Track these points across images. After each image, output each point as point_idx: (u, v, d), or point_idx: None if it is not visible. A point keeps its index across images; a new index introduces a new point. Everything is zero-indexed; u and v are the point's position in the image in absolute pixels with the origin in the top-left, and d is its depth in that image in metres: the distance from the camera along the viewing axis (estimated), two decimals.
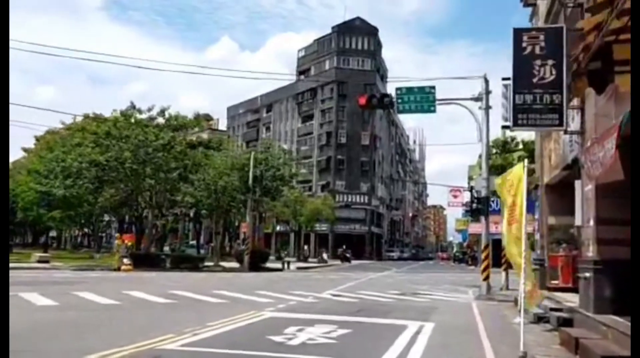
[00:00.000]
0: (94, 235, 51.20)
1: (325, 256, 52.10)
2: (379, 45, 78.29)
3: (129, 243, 26.27)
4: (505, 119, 10.59)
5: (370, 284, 22.39)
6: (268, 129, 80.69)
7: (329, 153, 72.41)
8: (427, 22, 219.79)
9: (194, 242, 53.43)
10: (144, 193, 29.75)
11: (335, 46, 74.15)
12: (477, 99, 17.40)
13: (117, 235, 27.51)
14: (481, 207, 16.60)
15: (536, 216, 15.98)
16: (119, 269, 24.48)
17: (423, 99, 17.49)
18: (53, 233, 65.79)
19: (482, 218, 17.21)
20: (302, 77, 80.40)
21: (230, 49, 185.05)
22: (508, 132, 25.39)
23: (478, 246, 57.66)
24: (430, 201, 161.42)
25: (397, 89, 17.64)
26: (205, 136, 60.91)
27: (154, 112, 29.32)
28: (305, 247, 64.75)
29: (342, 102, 73.08)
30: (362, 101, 17.95)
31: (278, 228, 66.16)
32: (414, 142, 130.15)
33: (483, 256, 16.68)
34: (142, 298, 12.82)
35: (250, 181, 31.33)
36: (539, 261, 14.82)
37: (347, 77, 73.06)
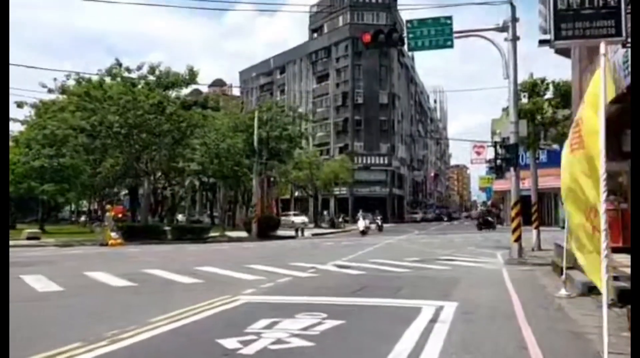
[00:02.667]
0: (101, 207, 49.95)
1: (340, 219, 50.07)
2: None
3: (119, 216, 24.35)
4: (545, 32, 7.95)
5: (387, 250, 20.17)
6: (282, 91, 77.88)
7: (345, 114, 69.51)
8: None
9: (201, 212, 51.87)
10: (140, 160, 27.57)
11: (347, 0, 70.24)
12: (502, 29, 14.62)
13: (108, 206, 25.54)
14: (509, 156, 14.03)
15: None
16: (107, 244, 22.74)
17: (438, 33, 14.78)
18: (70, 208, 65.07)
19: (511, 170, 14.66)
20: (314, 35, 76.94)
21: (246, 15, 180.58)
22: (536, 74, 22.42)
23: (504, 204, 55.14)
24: (453, 161, 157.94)
25: (407, 21, 14.94)
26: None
27: (143, 71, 26.81)
28: (325, 212, 62.91)
29: (357, 60, 69.65)
30: (367, 37, 15.30)
31: (296, 193, 64.06)
32: (435, 101, 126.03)
33: (513, 213, 14.21)
34: (98, 282, 10.74)
35: (255, 143, 29.08)
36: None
37: (362, 33, 69.18)
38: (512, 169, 14.57)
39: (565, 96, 23.01)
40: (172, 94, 26.90)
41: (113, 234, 23.25)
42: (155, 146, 26.90)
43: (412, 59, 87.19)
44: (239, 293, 8.97)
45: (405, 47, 15.55)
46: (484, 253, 18.08)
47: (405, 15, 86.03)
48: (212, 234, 29.10)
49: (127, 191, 48.37)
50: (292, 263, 14.37)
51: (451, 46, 14.87)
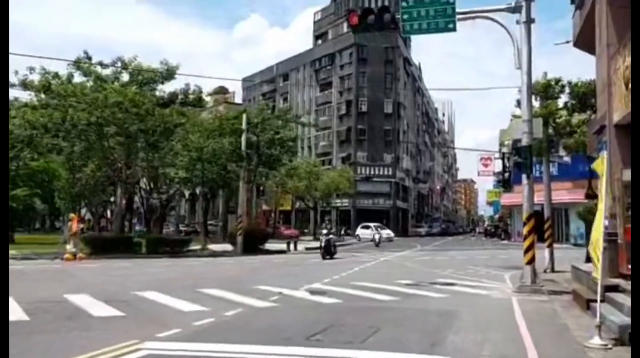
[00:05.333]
0: (93, 215, 47.66)
1: (342, 232, 47.99)
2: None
3: (79, 226, 21.55)
4: None
5: (379, 270, 17.69)
6: (285, 99, 75.67)
7: (349, 123, 67.07)
8: None
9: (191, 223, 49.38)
10: (114, 165, 25.07)
11: (353, 5, 68.09)
12: (513, 9, 12.24)
13: (71, 215, 22.89)
14: (522, 161, 11.55)
15: None
16: (74, 258, 20.27)
17: (438, 14, 12.42)
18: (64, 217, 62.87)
19: (523, 179, 12.16)
20: (318, 41, 74.93)
21: (258, 26, 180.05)
22: (550, 74, 19.98)
23: (511, 218, 52.38)
24: (460, 175, 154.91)
25: (402, 0, 12.58)
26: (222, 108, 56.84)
27: (118, 66, 24.39)
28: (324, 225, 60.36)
29: (362, 67, 67.40)
30: (354, 19, 12.94)
31: (297, 204, 61.50)
32: (443, 114, 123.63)
33: (525, 230, 11.72)
34: None
35: (242, 147, 26.69)
36: (609, 235, 9.80)
37: (367, 40, 67.03)
38: (524, 177, 12.08)
39: (583, 98, 20.54)
40: (149, 92, 24.43)
41: (69, 247, 20.70)
42: (130, 149, 24.48)
43: (419, 69, 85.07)
44: (152, 336, 6.61)
45: (400, 31, 13.17)
46: (490, 275, 15.58)
47: None
48: (192, 247, 26.57)
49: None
50: (257, 287, 11.93)
51: (453, 29, 12.50)
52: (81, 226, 21.85)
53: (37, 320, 7.84)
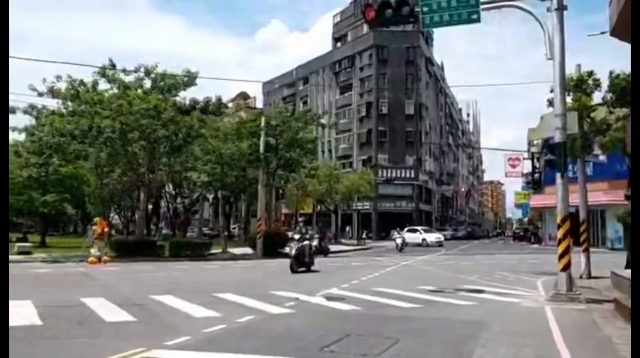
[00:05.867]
0: (122, 219, 47.98)
1: (363, 236, 46.98)
2: None
3: (105, 230, 21.65)
4: None
5: (400, 275, 16.92)
6: (305, 103, 75.20)
7: (369, 125, 66.27)
8: None
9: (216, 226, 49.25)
10: (137, 170, 25.06)
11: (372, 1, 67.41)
12: None
13: (96, 219, 23.01)
14: (555, 159, 10.70)
15: None
16: (98, 261, 20.20)
17: (460, 4, 11.69)
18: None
19: (557, 178, 11.29)
20: (338, 44, 74.36)
21: (279, 32, 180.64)
22: (583, 66, 18.90)
23: (542, 221, 50.74)
24: (486, 177, 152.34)
25: None
26: (243, 114, 56.67)
27: (141, 73, 24.40)
28: (347, 228, 59.60)
29: (382, 69, 66.59)
30: (370, 14, 12.27)
31: (318, 208, 60.82)
32: (467, 115, 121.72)
33: (560, 233, 10.84)
34: None
35: (261, 150, 26.24)
36: None
37: (387, 41, 66.34)
38: (557, 176, 11.20)
39: (623, 91, 19.35)
40: (171, 98, 24.35)
41: (93, 251, 20.67)
42: (153, 154, 24.40)
43: (442, 68, 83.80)
44: (161, 344, 6.21)
45: (420, 24, 12.44)
46: (520, 281, 14.69)
47: None
48: (213, 250, 26.45)
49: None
50: (273, 292, 11.37)
51: (477, 20, 11.74)
52: (106, 230, 21.83)
53: (49, 324, 7.60)
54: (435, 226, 71.26)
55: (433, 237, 43.20)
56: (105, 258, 20.85)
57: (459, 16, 11.83)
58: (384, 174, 63.01)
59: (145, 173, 24.95)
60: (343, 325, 7.74)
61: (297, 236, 17.88)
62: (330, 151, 71.34)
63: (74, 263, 20.46)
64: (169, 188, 40.51)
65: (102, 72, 23.78)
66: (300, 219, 26.05)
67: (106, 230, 22.11)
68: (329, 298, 10.67)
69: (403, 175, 63.81)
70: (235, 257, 25.24)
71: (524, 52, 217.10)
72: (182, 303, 9.68)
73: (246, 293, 11.06)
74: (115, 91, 23.89)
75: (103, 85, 24.82)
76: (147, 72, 24.29)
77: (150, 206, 45.08)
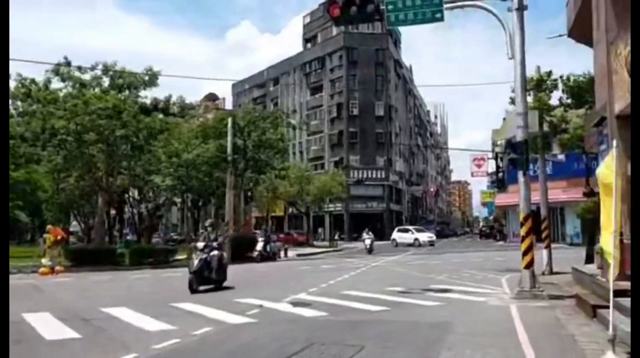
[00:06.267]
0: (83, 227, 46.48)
1: (335, 237, 46.81)
2: None
3: (58, 238, 20.65)
4: None
5: (369, 276, 16.87)
6: (276, 104, 74.80)
7: (340, 126, 66.34)
8: None
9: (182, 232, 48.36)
10: (94, 173, 24.08)
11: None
12: None
13: (48, 227, 21.98)
14: (517, 157, 10.77)
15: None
16: (51, 272, 19.33)
17: (424, 3, 11.67)
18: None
19: (519, 177, 11.35)
20: (308, 45, 74.26)
21: (249, 33, 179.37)
22: (543, 68, 19.28)
23: (506, 219, 51.59)
24: (454, 177, 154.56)
25: None
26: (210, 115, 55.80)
27: (98, 71, 23.56)
28: (320, 230, 59.47)
29: (352, 70, 66.76)
30: (335, 11, 12.14)
31: (290, 210, 60.52)
32: (435, 117, 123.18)
33: (523, 231, 10.92)
34: None
35: (228, 151, 25.82)
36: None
37: (357, 42, 66.61)
38: (519, 174, 11.28)
39: (577, 94, 19.88)
40: (131, 97, 23.58)
41: (44, 261, 19.67)
42: (112, 156, 23.54)
43: (410, 70, 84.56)
44: None
45: (385, 22, 12.38)
46: (486, 279, 14.78)
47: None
48: (179, 257, 25.61)
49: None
50: (236, 299, 11.07)
51: (441, 19, 11.74)
52: (59, 238, 20.86)
53: None
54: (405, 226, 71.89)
55: (425, 236, 42.51)
56: (58, 268, 19.85)
57: (423, 15, 11.82)
58: (355, 175, 63.18)
59: (103, 177, 24.09)
60: (308, 334, 7.49)
61: (200, 245, 13.61)
62: (301, 152, 71.15)
63: (25, 274, 19.44)
64: (133, 192, 39.51)
65: (56, 70, 22.78)
66: (207, 222, 24.74)
67: (59, 238, 21.11)
68: (295, 304, 10.45)
69: (374, 176, 64.08)
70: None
71: (490, 56, 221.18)
72: (135, 315, 9.19)
73: (207, 302, 10.68)
74: (71, 89, 22.93)
75: (57, 84, 23.81)
76: (105, 70, 23.44)
77: (113, 212, 43.96)
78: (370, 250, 31.72)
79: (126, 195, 37.47)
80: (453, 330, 7.54)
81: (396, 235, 44.77)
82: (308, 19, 74.01)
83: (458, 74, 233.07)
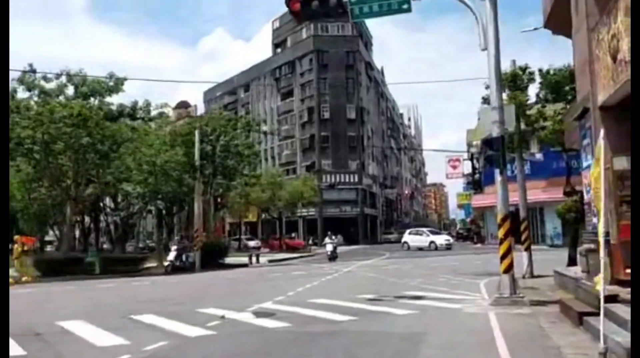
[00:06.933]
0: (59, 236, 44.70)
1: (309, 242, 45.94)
2: None
3: (25, 248, 19.84)
4: None
5: (340, 283, 16.10)
6: (247, 110, 73.84)
7: (312, 131, 65.55)
8: None
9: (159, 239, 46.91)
10: (62, 182, 23.11)
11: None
12: None
13: (15, 237, 21.11)
14: (494, 154, 10.12)
15: (587, 161, 9.58)
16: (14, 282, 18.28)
17: None
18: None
19: (496, 176, 10.75)
20: (278, 50, 73.48)
21: (222, 40, 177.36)
22: (519, 62, 18.86)
23: (483, 221, 51.50)
24: (429, 180, 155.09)
25: None
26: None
27: (63, 79, 22.55)
28: (293, 235, 58.53)
29: (322, 73, 66.08)
30: (296, 5, 11.40)
31: (264, 215, 59.39)
32: (409, 119, 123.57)
33: (501, 233, 10.28)
34: None
35: (196, 158, 24.88)
36: (594, 235, 8.44)
37: (327, 45, 66.10)
38: (496, 173, 10.66)
39: (556, 87, 19.46)
40: (96, 104, 22.62)
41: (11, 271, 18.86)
42: (80, 165, 22.53)
43: (382, 73, 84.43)
44: None
45: (349, 16, 11.67)
46: (463, 284, 14.15)
47: (371, 23, 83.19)
48: (149, 265, 24.88)
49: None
50: (199, 310, 10.27)
51: (408, 10, 11.11)
52: (26, 248, 19.94)
53: None
54: (380, 230, 71.47)
55: (442, 239, 38.42)
56: (25, 278, 19.23)
57: (389, 6, 11.18)
58: (328, 179, 62.40)
59: (71, 186, 23.09)
60: (268, 347, 6.86)
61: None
62: (273, 158, 70.21)
63: None
64: (107, 201, 38.29)
65: (22, 79, 21.89)
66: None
67: (26, 248, 20.20)
68: (259, 314, 9.66)
69: (347, 180, 63.44)
70: (170, 271, 23.70)
71: (463, 58, 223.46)
72: (90, 329, 8.52)
73: (169, 313, 9.94)
74: (36, 99, 22.05)
75: (22, 93, 22.95)
76: (69, 78, 22.47)
77: (88, 220, 42.47)
78: (332, 257, 28.07)
79: (101, 204, 36.29)
80: (426, 341, 6.84)
81: (408, 237, 41.04)
82: (277, 24, 73.21)
83: (431, 76, 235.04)
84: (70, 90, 23.10)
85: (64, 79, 22.61)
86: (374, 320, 8.82)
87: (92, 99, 22.58)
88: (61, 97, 22.29)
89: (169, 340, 7.42)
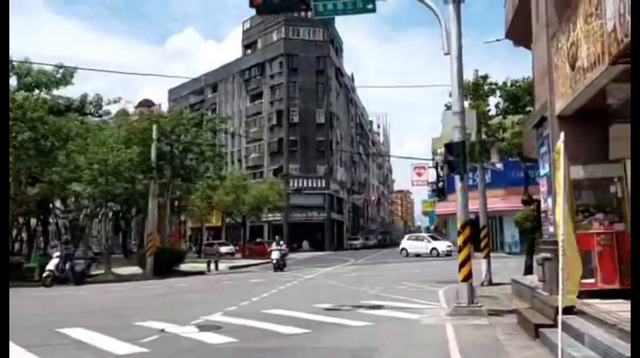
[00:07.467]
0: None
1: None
2: None
3: None
4: None
5: (298, 291, 15.59)
6: (214, 110, 72.50)
7: (280, 134, 64.95)
8: None
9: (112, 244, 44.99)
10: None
11: (283, 14, 66.49)
12: None
13: None
14: (454, 159, 9.81)
15: (544, 169, 9.38)
16: None
17: None
18: None
19: (456, 182, 10.47)
20: (248, 51, 72.69)
21: (192, 40, 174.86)
22: (480, 72, 18.87)
23: (446, 228, 51.91)
24: (396, 187, 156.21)
25: None
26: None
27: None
28: (258, 240, 57.63)
29: (293, 77, 65.63)
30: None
31: (228, 220, 58.26)
32: (378, 126, 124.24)
33: (460, 241, 9.96)
34: None
35: (153, 158, 23.96)
36: (554, 244, 8.18)
37: (297, 49, 65.71)
38: (457, 179, 10.37)
39: (514, 99, 19.61)
40: (42, 96, 21.32)
41: None
42: (20, 162, 21.21)
43: (352, 79, 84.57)
44: None
45: (313, 12, 11.24)
46: (422, 292, 13.82)
47: (342, 31, 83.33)
48: (95, 271, 23.50)
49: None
50: (137, 323, 9.52)
51: (373, 10, 10.78)
52: None
53: None
54: (347, 236, 71.24)
55: (444, 245, 36.01)
56: None
57: (353, 5, 10.83)
58: (295, 184, 61.90)
59: (10, 185, 21.71)
60: None
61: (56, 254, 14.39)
62: (240, 160, 69.24)
63: None
64: (57, 202, 36.66)
65: None
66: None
67: None
68: (203, 327, 9.00)
69: (314, 185, 63.03)
70: (118, 278, 22.51)
71: (432, 70, 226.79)
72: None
73: (101, 326, 9.13)
74: None
75: None
76: (12, 67, 21.18)
77: (35, 222, 40.53)
78: (278, 266, 25.30)
79: (50, 205, 34.69)
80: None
81: (406, 243, 39.32)
82: (248, 25, 72.47)
83: (401, 88, 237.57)
84: (13, 80, 21.71)
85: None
86: (327, 333, 8.34)
87: (36, 91, 21.19)
88: None
89: None
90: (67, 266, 19.64)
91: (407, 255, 36.93)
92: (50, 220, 40.76)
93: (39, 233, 44.50)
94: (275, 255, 25.72)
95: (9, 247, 30.01)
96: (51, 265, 19.14)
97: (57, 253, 19.94)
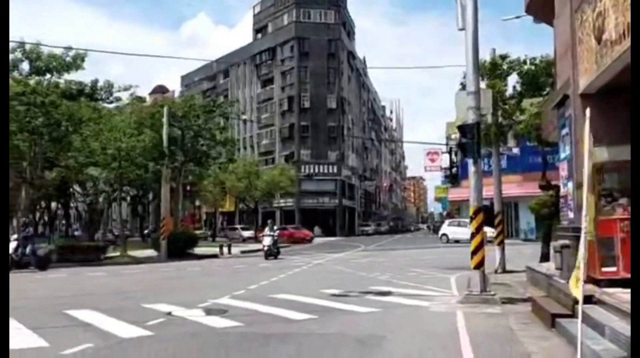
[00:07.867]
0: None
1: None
2: None
3: None
4: None
5: (307, 276, 15.40)
6: (226, 96, 72.21)
7: (291, 120, 64.54)
8: None
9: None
10: (18, 165, 21.85)
11: None
12: None
13: None
14: (468, 142, 9.43)
15: (565, 152, 8.97)
16: None
17: None
18: None
19: (469, 167, 10.10)
20: (258, 36, 72.12)
21: (204, 26, 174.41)
22: (498, 51, 18.21)
23: (459, 214, 51.35)
24: (409, 173, 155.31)
25: None
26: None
27: (18, 54, 21.16)
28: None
29: (304, 61, 64.95)
30: None
31: (241, 205, 58.23)
32: (391, 111, 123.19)
33: (473, 227, 9.63)
34: None
35: (164, 143, 23.84)
36: (574, 230, 7.83)
37: (308, 32, 64.93)
38: (470, 163, 10.00)
39: (534, 80, 18.87)
40: (53, 80, 21.26)
41: None
42: (36, 146, 21.25)
43: (364, 62, 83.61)
44: None
45: None
46: (433, 279, 13.53)
47: (354, 13, 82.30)
48: (111, 254, 23.84)
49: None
50: (146, 305, 9.44)
51: None
52: None
53: None
54: (358, 222, 70.99)
55: (490, 231, 34.32)
56: None
57: None
58: (307, 169, 61.60)
59: (27, 169, 21.82)
60: (208, 353, 6.08)
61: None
62: (252, 147, 69.11)
63: None
64: (76, 186, 37.03)
65: None
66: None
67: None
68: (210, 311, 8.85)
69: (326, 171, 62.71)
70: (134, 261, 22.68)
71: (445, 53, 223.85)
72: (14, 328, 7.38)
73: (110, 308, 9.04)
74: None
75: None
76: (24, 52, 21.05)
77: (55, 206, 41.01)
78: (270, 253, 22.86)
79: (70, 189, 35.01)
80: (383, 347, 6.16)
81: (447, 229, 37.15)
82: (258, 8, 71.79)
83: (416, 70, 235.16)
84: (25, 65, 21.61)
85: (18, 53, 21.10)
86: (333, 319, 8.11)
87: (48, 75, 21.13)
88: (15, 73, 20.77)
89: (98, 341, 6.58)
90: (28, 250, 18.18)
91: (448, 241, 35.24)
92: (71, 204, 41.26)
93: (60, 216, 45.12)
94: (267, 241, 23.18)
95: (33, 229, 30.39)
96: (10, 249, 17.02)
97: (15, 236, 18.42)
